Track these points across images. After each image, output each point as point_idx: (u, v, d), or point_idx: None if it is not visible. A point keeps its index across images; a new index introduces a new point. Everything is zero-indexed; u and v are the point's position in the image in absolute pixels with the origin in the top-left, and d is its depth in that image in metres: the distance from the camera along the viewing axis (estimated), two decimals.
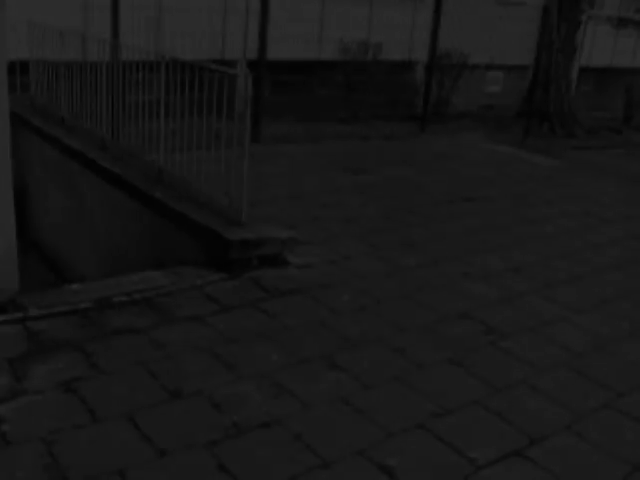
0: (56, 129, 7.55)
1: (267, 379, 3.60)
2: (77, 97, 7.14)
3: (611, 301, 5.16)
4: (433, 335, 4.30)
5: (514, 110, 13.64)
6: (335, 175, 7.83)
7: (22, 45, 7.83)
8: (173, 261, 5.03)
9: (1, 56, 4.21)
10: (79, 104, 7.11)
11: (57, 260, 7.80)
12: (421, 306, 4.69)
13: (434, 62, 11.19)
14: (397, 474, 3.00)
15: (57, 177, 7.62)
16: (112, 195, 6.24)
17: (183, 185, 5.61)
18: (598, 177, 9.39)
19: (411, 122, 11.49)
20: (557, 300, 5.04)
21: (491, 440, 3.32)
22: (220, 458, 2.98)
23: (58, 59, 7.43)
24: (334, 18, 11.65)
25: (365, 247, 5.65)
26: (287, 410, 3.37)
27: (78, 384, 3.39)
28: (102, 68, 6.51)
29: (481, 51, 12.99)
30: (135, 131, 6.16)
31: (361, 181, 7.70)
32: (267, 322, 4.22)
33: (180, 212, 5.27)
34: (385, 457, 3.10)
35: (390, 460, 3.08)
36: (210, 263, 4.90)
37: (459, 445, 3.24)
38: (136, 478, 2.82)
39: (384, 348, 4.07)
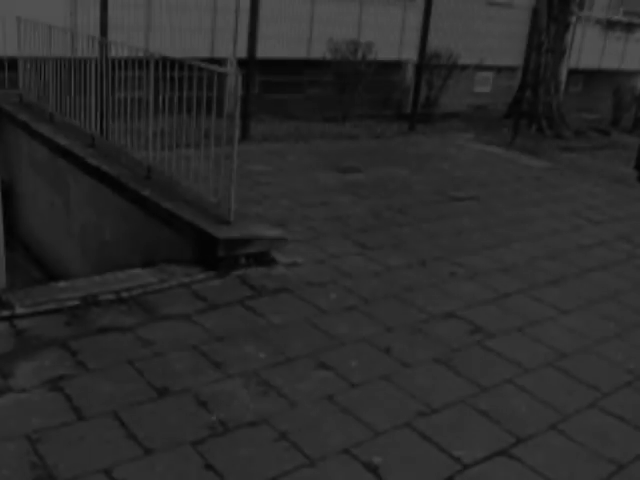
0: (44, 126, 7.51)
1: (254, 377, 3.60)
2: (66, 94, 7.11)
3: (598, 302, 5.19)
4: (420, 334, 4.31)
5: (503, 111, 13.72)
6: (324, 174, 7.84)
7: (10, 41, 7.79)
8: (161, 259, 5.02)
9: None
10: (68, 101, 7.08)
11: (45, 258, 7.76)
12: (409, 305, 4.70)
13: (424, 62, 11.23)
14: (382, 473, 3.01)
15: (45, 174, 7.58)
16: (100, 193, 6.22)
17: (172, 183, 5.61)
18: (586, 178, 9.44)
19: (400, 122, 11.55)
20: (544, 300, 5.07)
21: (477, 439, 3.34)
22: (206, 456, 2.98)
23: (47, 55, 7.40)
24: (324, 17, 11.67)
25: (354, 246, 5.66)
26: (274, 408, 3.37)
27: (64, 382, 3.38)
28: (91, 65, 6.49)
29: (471, 51, 13.04)
30: (124, 129, 6.15)
31: (350, 180, 7.71)
32: (254, 320, 4.22)
33: (168, 210, 5.26)
34: (371, 455, 3.11)
35: (376, 458, 3.09)
36: (198, 261, 4.89)
37: (445, 444, 3.25)
38: (122, 476, 2.81)
39: (371, 347, 4.08)
